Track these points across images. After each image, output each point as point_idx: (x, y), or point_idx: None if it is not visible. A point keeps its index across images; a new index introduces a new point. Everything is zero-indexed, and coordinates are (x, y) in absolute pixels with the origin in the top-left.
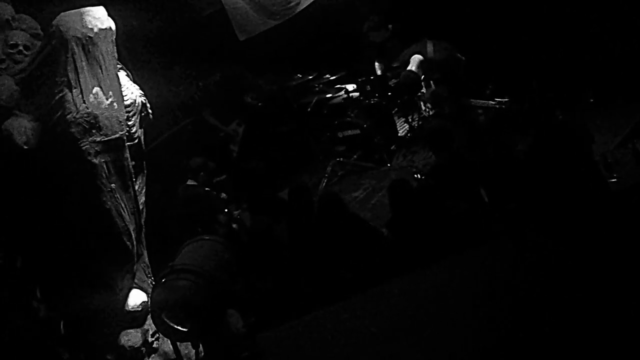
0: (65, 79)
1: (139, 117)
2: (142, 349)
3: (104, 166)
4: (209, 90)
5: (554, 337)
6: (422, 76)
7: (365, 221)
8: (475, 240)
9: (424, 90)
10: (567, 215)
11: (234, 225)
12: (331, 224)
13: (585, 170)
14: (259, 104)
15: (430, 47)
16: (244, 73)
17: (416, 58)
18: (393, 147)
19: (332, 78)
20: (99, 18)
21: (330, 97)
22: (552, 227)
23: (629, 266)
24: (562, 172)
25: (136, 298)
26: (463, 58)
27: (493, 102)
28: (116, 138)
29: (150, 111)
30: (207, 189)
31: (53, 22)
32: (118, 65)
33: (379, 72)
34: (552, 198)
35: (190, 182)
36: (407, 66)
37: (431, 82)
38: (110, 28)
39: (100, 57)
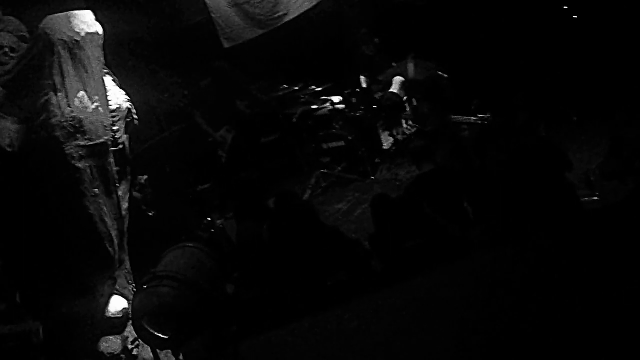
0: (51, 82)
1: (124, 123)
2: (122, 356)
3: (88, 171)
4: (200, 94)
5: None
6: (405, 97)
7: (342, 233)
8: (458, 253)
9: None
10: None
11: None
12: (307, 233)
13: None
14: (250, 112)
15: (411, 68)
16: (238, 77)
17: (398, 80)
18: (377, 159)
19: (318, 89)
20: (87, 22)
21: (316, 108)
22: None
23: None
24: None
25: (117, 304)
26: (446, 76)
27: (475, 118)
28: (101, 143)
29: (135, 117)
30: None
31: (40, 25)
32: (104, 70)
33: (364, 85)
34: (524, 215)
35: None
36: (389, 88)
37: (413, 100)
38: (98, 32)
39: (87, 61)
